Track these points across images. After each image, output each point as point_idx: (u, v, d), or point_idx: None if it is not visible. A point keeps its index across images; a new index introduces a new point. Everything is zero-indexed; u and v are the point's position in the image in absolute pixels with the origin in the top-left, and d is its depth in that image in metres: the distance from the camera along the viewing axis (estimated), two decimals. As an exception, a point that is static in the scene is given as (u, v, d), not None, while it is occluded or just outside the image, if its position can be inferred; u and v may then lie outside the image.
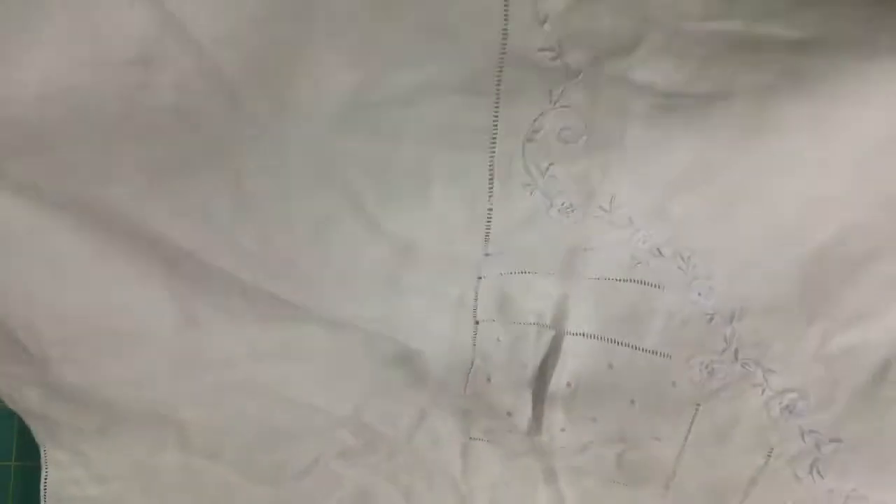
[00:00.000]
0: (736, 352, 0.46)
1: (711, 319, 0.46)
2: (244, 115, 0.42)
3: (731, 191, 0.43)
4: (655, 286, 0.46)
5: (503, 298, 0.48)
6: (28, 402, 0.50)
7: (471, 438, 0.53)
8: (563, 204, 0.44)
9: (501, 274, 0.47)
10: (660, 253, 0.45)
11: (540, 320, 0.48)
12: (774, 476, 0.48)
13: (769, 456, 0.47)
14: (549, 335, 0.49)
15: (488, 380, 0.50)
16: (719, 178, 0.43)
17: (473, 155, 0.43)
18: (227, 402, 0.51)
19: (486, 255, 0.46)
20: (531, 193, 0.44)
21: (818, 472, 0.47)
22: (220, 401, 0.51)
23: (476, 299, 0.48)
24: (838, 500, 0.47)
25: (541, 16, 0.41)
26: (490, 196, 0.44)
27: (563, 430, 0.50)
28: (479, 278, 0.47)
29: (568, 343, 0.48)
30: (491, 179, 0.44)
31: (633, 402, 0.48)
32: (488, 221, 0.45)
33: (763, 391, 0.46)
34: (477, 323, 0.48)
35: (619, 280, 0.47)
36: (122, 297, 0.46)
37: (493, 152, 0.43)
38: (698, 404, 0.48)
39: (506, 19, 0.41)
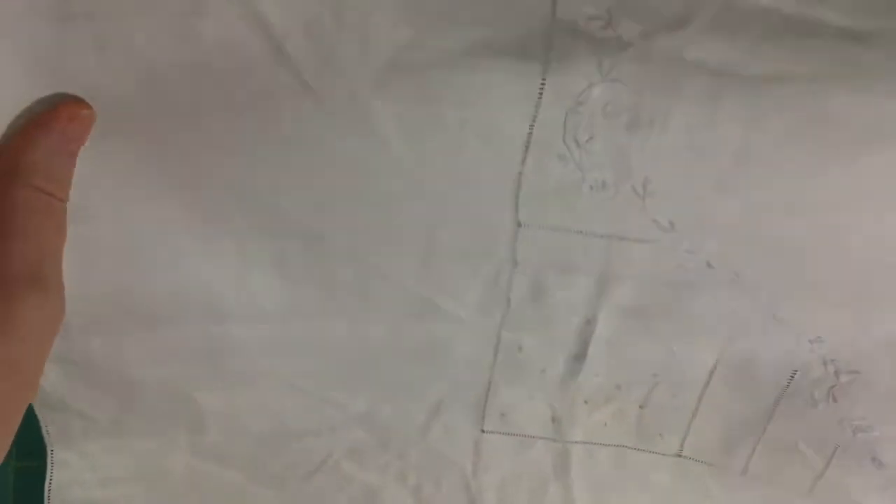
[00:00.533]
0: (774, 315, 0.48)
1: (756, 294, 0.47)
2: (290, 68, 0.40)
3: (783, 187, 0.42)
4: (700, 283, 0.47)
5: (537, 289, 0.48)
6: (47, 382, 0.48)
7: (483, 431, 0.53)
8: (595, 179, 0.43)
9: (537, 267, 0.47)
10: (709, 265, 0.45)
11: (574, 312, 0.49)
12: (794, 398, 0.50)
13: (792, 378, 0.49)
14: (582, 314, 0.49)
15: (519, 348, 0.50)
16: (764, 181, 0.42)
17: (512, 120, 0.42)
18: (247, 391, 0.50)
19: (519, 224, 0.45)
20: (565, 165, 0.43)
21: (833, 398, 0.49)
22: (240, 389, 0.50)
23: (510, 283, 0.48)
24: (847, 429, 0.50)
25: None
26: (523, 162, 0.43)
27: (597, 375, 0.51)
28: (516, 264, 0.47)
29: (603, 316, 0.49)
30: (527, 147, 0.42)
31: (672, 350, 0.50)
32: (518, 188, 0.44)
33: (797, 340, 0.48)
34: (509, 300, 0.48)
35: (660, 283, 0.47)
36: (158, 278, 0.45)
37: (534, 120, 0.41)
38: (729, 336, 0.49)
39: None
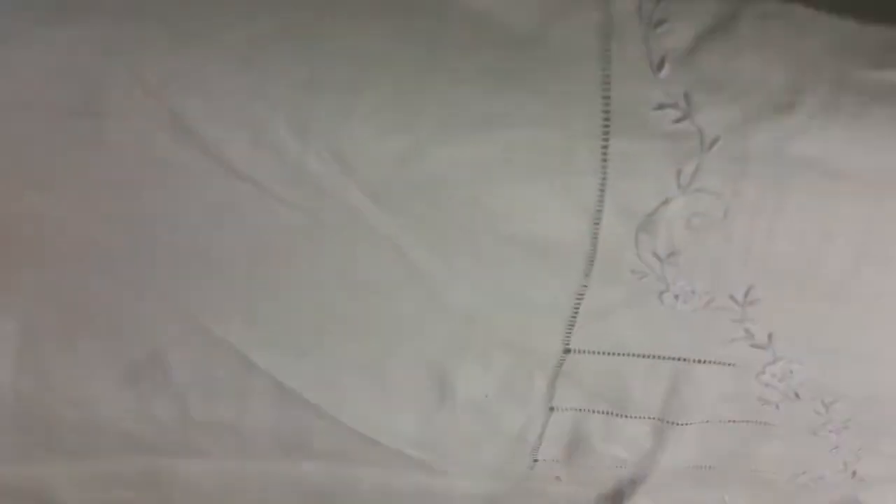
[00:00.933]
0: (854, 473, 0.43)
1: (837, 448, 0.42)
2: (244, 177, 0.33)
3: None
4: (778, 426, 0.41)
5: (576, 439, 0.42)
6: None
7: None
8: (683, 287, 0.35)
9: (580, 410, 0.41)
10: (797, 396, 0.39)
11: (620, 465, 0.43)
12: None
13: None
14: (628, 472, 0.44)
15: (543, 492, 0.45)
16: (887, 288, 0.35)
17: (568, 233, 0.33)
18: None
19: (567, 350, 0.38)
20: (640, 278, 0.34)
21: None
22: None
23: (542, 436, 0.42)
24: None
25: (656, 56, 0.30)
26: (588, 275, 0.34)
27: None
28: (551, 409, 0.40)
29: (652, 479, 0.43)
30: (592, 260, 0.33)
31: (723, 499, 0.46)
32: (577, 302, 0.36)
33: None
34: (535, 461, 0.42)
35: (735, 422, 0.41)
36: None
37: (597, 236, 0.33)
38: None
39: (606, 59, 0.30)
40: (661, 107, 0.30)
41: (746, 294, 0.36)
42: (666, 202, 0.31)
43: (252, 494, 0.45)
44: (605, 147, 0.30)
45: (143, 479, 0.44)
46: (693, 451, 0.43)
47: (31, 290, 0.38)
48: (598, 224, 0.32)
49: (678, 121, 0.30)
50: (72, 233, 0.35)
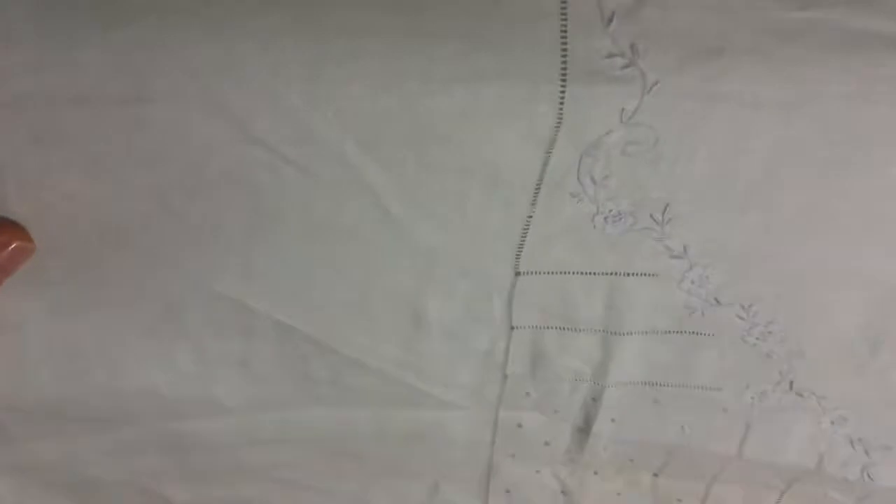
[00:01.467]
0: (791, 383, 0.46)
1: (769, 356, 0.45)
2: (263, 144, 0.37)
3: (805, 214, 0.39)
4: (709, 335, 0.45)
5: (537, 354, 0.46)
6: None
7: None
8: (610, 210, 0.40)
9: (536, 327, 0.45)
10: (717, 302, 0.43)
11: (578, 377, 0.47)
12: (821, 479, 0.49)
13: (820, 463, 0.49)
14: (586, 387, 0.47)
15: (519, 426, 0.49)
16: (791, 198, 0.39)
17: (523, 164, 0.38)
18: (219, 485, 0.50)
19: (517, 273, 0.42)
20: (578, 202, 0.39)
21: (869, 476, 0.48)
22: (213, 483, 0.50)
23: (507, 352, 0.46)
24: (880, 493, 0.49)
25: (605, 12, 0.34)
26: (533, 203, 0.39)
27: (605, 448, 0.50)
28: (512, 328, 0.44)
29: (609, 394, 0.47)
30: (538, 188, 0.38)
31: (682, 428, 0.48)
32: (525, 229, 0.40)
33: (814, 412, 0.47)
34: (506, 377, 0.47)
35: (669, 332, 0.45)
36: (100, 383, 0.45)
37: (547, 163, 0.37)
38: (748, 424, 0.48)
39: (564, 18, 0.34)
40: (610, 55, 0.34)
41: (664, 211, 0.40)
42: (608, 133, 0.36)
43: (267, 447, 0.49)
44: (562, 92, 0.35)
45: (165, 444, 0.47)
46: (638, 364, 0.46)
47: (60, 268, 0.41)
48: (549, 153, 0.37)
49: (625, 67, 0.34)
50: (102, 211, 0.39)
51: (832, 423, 0.47)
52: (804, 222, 0.40)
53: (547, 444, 0.50)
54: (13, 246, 0.39)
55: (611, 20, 0.34)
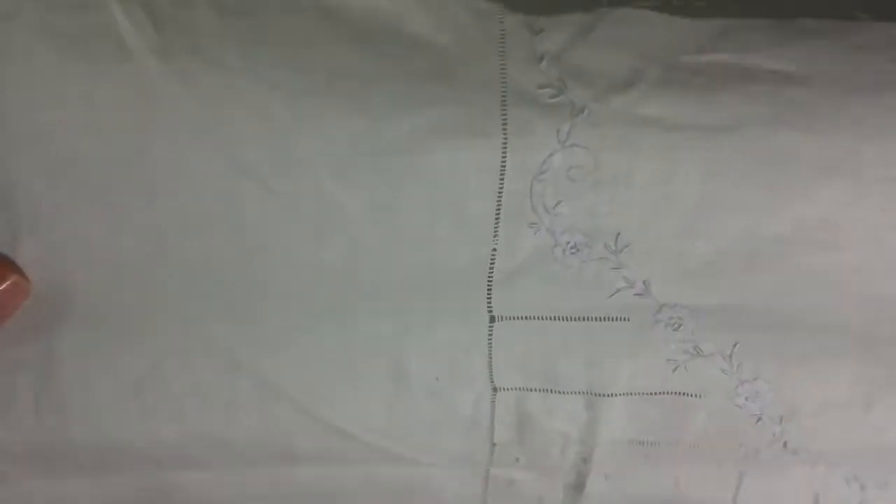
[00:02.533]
0: (785, 444, 0.45)
1: (759, 420, 0.44)
2: (251, 175, 0.41)
3: (750, 232, 0.42)
4: (695, 395, 0.44)
5: (523, 418, 0.45)
6: None
7: None
8: (567, 243, 0.42)
9: (520, 389, 0.44)
10: (698, 352, 0.43)
11: (566, 440, 0.46)
12: None
13: (815, 502, 0.46)
14: (575, 449, 0.46)
15: (510, 483, 0.47)
16: (732, 223, 0.42)
17: (479, 196, 0.41)
18: None
19: (492, 318, 0.43)
20: (536, 233, 0.42)
21: None
22: None
23: (492, 418, 0.45)
24: None
25: (537, 54, 0.41)
26: (495, 235, 0.42)
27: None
28: (495, 389, 0.44)
29: (599, 454, 0.46)
30: (497, 220, 0.42)
31: (676, 481, 0.47)
32: (491, 264, 0.42)
33: (810, 464, 0.45)
34: (494, 445, 0.46)
35: (655, 394, 0.44)
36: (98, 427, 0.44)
37: (501, 192, 0.41)
38: (741, 471, 0.46)
39: (503, 62, 0.41)
40: (542, 86, 0.41)
41: (616, 240, 0.42)
42: (551, 155, 0.41)
43: (255, 503, 0.48)
44: (504, 115, 0.40)
45: (154, 493, 0.47)
46: (627, 423, 0.45)
47: (58, 311, 0.42)
48: (502, 178, 0.41)
49: (554, 96, 0.41)
50: (101, 251, 0.41)
51: (826, 466, 0.45)
52: (749, 251, 0.42)
53: (540, 499, 0.48)
54: (10, 281, 0.40)
55: (541, 59, 0.41)
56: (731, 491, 0.46)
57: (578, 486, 0.47)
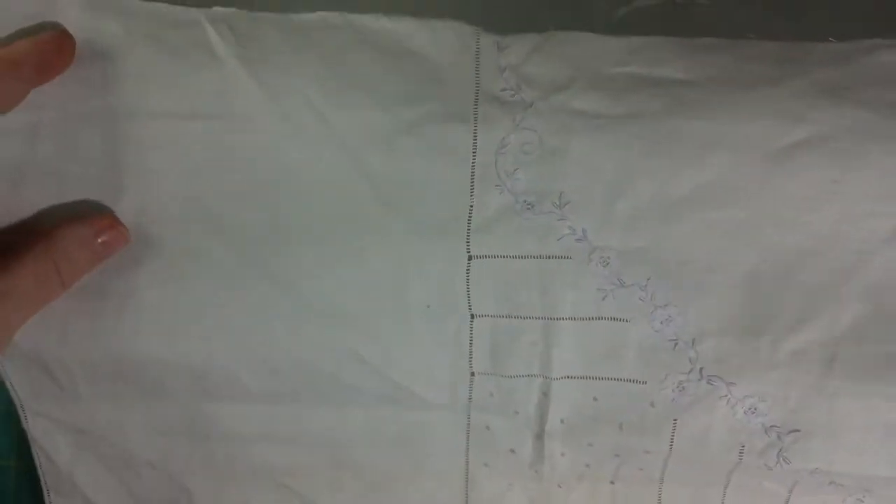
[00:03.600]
0: (701, 370, 0.51)
1: (676, 345, 0.51)
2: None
3: (660, 194, 0.49)
4: (623, 320, 0.51)
5: (495, 346, 0.52)
6: (60, 460, 0.53)
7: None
8: (524, 201, 0.51)
9: (493, 316, 0.52)
10: (620, 283, 0.50)
11: (528, 371, 0.53)
12: (748, 469, 0.53)
13: (742, 453, 0.53)
14: (537, 383, 0.53)
15: (487, 428, 0.54)
16: (640, 185, 0.50)
17: (459, 165, 0.51)
18: (234, 485, 0.55)
19: (470, 257, 0.51)
20: (500, 193, 0.51)
21: (784, 460, 0.52)
22: (228, 482, 0.55)
23: (471, 344, 0.52)
24: (804, 478, 0.52)
25: (501, 67, 0.55)
26: (472, 195, 0.51)
27: (562, 454, 0.55)
28: (472, 316, 0.52)
29: (556, 388, 0.53)
30: (472, 183, 0.51)
31: (620, 426, 0.53)
32: (469, 216, 0.51)
33: (728, 401, 0.51)
34: (473, 375, 0.53)
35: (591, 319, 0.51)
36: (156, 351, 0.50)
37: (475, 163, 0.51)
38: (675, 419, 0.53)
39: (477, 70, 0.55)
40: (504, 89, 0.51)
41: (559, 198, 0.50)
42: (508, 135, 0.50)
43: (281, 448, 0.53)
44: (475, 108, 0.50)
45: (194, 428, 0.52)
46: (575, 354, 0.52)
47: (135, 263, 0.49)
48: (475, 153, 0.50)
49: (512, 96, 0.52)
50: (174, 193, 0.49)
51: (745, 413, 0.51)
52: (661, 208, 0.49)
53: (512, 451, 0.55)
54: (121, 230, 0.46)
55: (504, 70, 0.53)
56: (667, 438, 0.53)
57: (540, 434, 0.53)
